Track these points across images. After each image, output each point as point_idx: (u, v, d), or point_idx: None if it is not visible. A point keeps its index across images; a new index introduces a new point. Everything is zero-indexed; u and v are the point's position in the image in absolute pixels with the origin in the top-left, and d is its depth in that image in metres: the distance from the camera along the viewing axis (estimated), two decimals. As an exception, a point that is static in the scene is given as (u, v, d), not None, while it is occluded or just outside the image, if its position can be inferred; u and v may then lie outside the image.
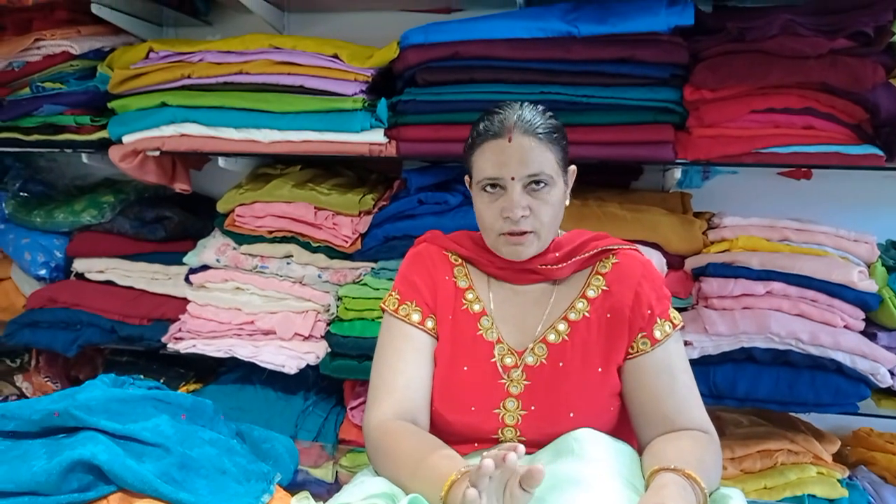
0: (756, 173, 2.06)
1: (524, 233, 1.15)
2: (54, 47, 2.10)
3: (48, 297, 2.21)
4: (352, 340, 1.90)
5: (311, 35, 2.09)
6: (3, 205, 2.31)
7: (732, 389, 1.76)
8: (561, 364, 1.19)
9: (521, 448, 0.87)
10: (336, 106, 1.87)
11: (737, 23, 1.68)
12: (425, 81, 1.85)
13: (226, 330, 2.04)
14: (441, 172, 1.99)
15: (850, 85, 1.64)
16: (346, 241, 1.96)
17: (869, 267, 1.78)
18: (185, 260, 2.10)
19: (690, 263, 1.86)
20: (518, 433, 1.18)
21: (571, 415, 1.16)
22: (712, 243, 1.86)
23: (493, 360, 1.21)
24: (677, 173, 1.93)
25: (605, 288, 1.22)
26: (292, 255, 2.02)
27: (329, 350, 1.96)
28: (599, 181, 2.06)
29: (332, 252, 1.99)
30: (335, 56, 1.88)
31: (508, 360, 1.21)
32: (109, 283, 2.22)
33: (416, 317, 1.24)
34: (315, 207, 1.98)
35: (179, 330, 2.09)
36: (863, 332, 1.74)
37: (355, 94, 1.86)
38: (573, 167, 1.24)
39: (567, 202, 1.22)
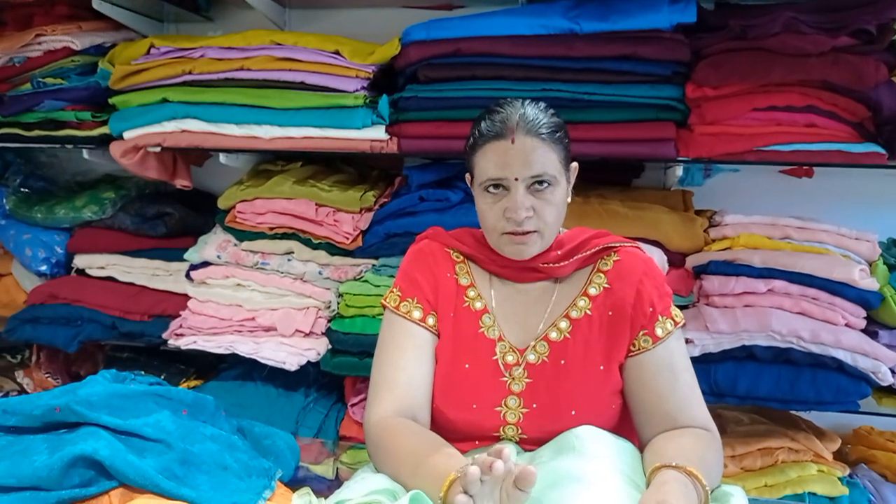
0: (758, 171, 2.06)
1: (527, 232, 1.15)
2: (55, 43, 2.10)
3: (49, 293, 2.20)
4: (353, 337, 1.90)
5: (312, 31, 2.08)
6: (4, 200, 2.31)
7: (733, 387, 1.76)
8: (562, 362, 1.19)
9: (508, 452, 0.87)
10: (337, 102, 1.87)
11: (739, 20, 1.68)
12: (427, 78, 1.85)
13: (226, 326, 2.04)
14: (442, 169, 1.99)
15: (852, 83, 1.64)
16: (347, 238, 1.96)
17: (870, 265, 1.78)
18: (185, 256, 2.10)
19: (692, 261, 1.86)
20: (519, 431, 1.18)
21: (573, 412, 1.16)
22: (713, 241, 1.86)
23: (495, 357, 1.21)
24: (679, 171, 1.93)
25: (606, 285, 1.22)
26: (293, 252, 2.02)
27: (330, 347, 1.96)
28: (601, 179, 2.06)
29: (333, 249, 1.99)
30: (336, 52, 1.87)
31: (510, 358, 1.20)
32: (110, 279, 2.22)
33: (417, 314, 1.23)
34: (316, 204, 1.98)
35: (180, 326, 2.09)
36: (864, 331, 1.74)
37: (357, 90, 1.86)
38: (575, 164, 1.24)
39: (569, 199, 1.22)
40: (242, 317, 2.02)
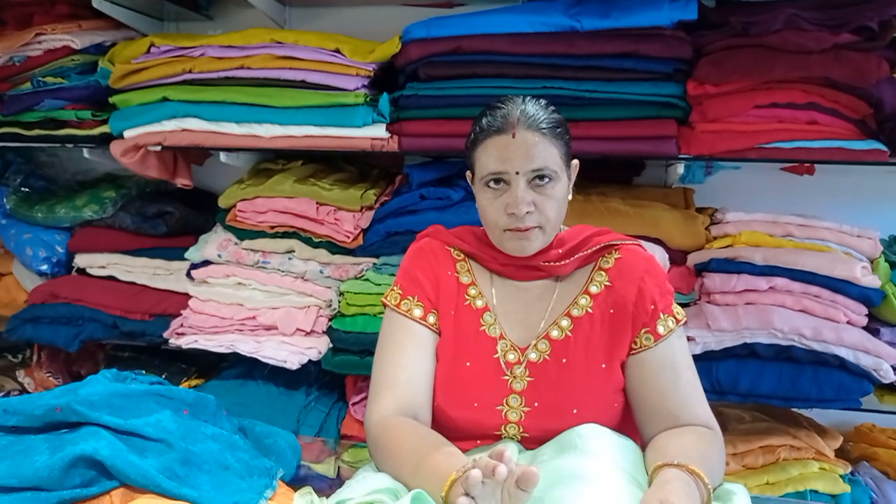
0: (759, 168, 2.05)
1: (529, 228, 1.14)
2: (55, 42, 2.10)
3: (50, 293, 2.21)
4: (353, 336, 1.90)
5: (312, 29, 2.08)
6: (5, 200, 2.31)
7: (735, 385, 1.76)
8: (564, 360, 1.19)
9: (509, 454, 0.87)
10: (338, 101, 1.87)
11: (740, 17, 1.68)
12: (427, 76, 1.85)
13: (227, 325, 2.04)
14: (443, 168, 1.99)
15: (853, 80, 1.64)
16: (348, 237, 1.96)
17: (872, 262, 1.78)
18: (186, 255, 2.10)
19: (693, 259, 1.86)
20: (521, 429, 1.18)
21: (575, 411, 1.15)
22: (715, 239, 1.86)
23: (496, 356, 1.20)
24: (680, 168, 1.92)
25: (607, 283, 1.22)
26: (294, 251, 2.02)
27: (331, 345, 1.96)
28: (602, 176, 2.06)
29: (334, 247, 1.99)
30: (337, 51, 1.87)
31: (511, 357, 1.20)
32: (111, 278, 2.22)
33: (417, 312, 1.23)
34: (317, 203, 1.98)
35: (181, 325, 2.09)
36: (866, 328, 1.74)
37: (357, 88, 1.86)
38: (576, 161, 1.24)
39: (570, 197, 1.21)
40: (243, 316, 2.02)
